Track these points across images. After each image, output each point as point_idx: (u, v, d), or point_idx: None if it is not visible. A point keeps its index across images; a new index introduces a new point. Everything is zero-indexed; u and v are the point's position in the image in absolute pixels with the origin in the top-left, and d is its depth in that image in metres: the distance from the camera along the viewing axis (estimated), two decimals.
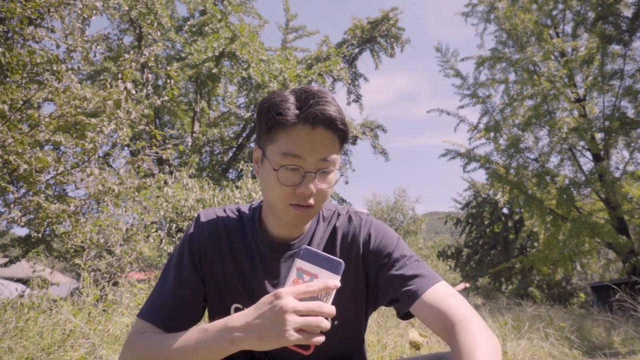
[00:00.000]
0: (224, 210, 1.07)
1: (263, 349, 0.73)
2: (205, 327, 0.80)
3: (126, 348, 0.89)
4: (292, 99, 0.91)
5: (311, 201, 0.92)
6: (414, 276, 0.95)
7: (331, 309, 0.73)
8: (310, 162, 0.90)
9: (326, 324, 0.72)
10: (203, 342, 0.78)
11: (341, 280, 1.00)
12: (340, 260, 0.77)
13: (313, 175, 0.90)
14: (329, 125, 0.90)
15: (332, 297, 0.75)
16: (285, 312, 0.70)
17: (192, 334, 0.81)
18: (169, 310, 0.93)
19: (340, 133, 0.93)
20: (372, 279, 1.01)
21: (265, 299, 0.75)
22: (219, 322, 0.78)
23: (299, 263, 0.76)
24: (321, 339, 0.73)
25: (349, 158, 16.11)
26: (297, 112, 0.89)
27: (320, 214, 1.07)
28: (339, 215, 1.07)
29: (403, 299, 0.94)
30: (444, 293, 0.91)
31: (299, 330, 0.71)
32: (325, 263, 0.76)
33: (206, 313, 1.04)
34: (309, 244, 1.02)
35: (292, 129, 0.89)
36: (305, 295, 0.72)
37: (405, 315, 0.97)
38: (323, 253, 0.77)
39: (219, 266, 1.01)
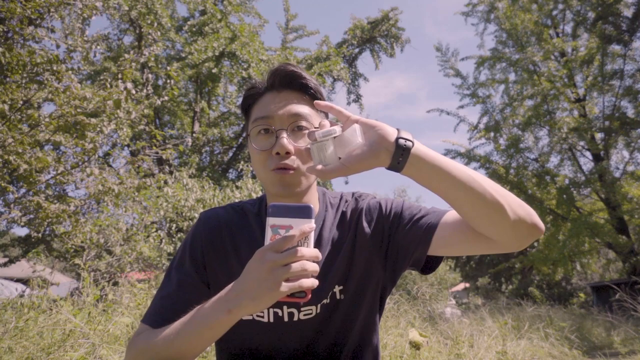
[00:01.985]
0: (226, 209, 1.06)
1: (260, 308, 0.75)
2: (199, 306, 0.81)
3: (128, 349, 0.90)
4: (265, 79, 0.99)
5: (292, 163, 0.91)
6: (427, 214, 0.97)
7: (312, 251, 0.74)
8: (279, 119, 0.92)
9: (312, 267, 0.73)
10: (200, 320, 0.79)
11: (351, 256, 1.00)
12: (309, 204, 0.77)
13: (284, 131, 0.91)
14: (291, 84, 0.95)
15: (311, 240, 0.76)
16: (269, 267, 0.71)
17: (188, 315, 0.82)
18: (171, 313, 0.92)
19: (308, 91, 0.96)
20: (393, 240, 1.00)
21: (249, 264, 0.76)
22: (213, 298, 0.79)
23: (270, 221, 0.77)
24: (312, 282, 0.73)
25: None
26: (266, 84, 0.97)
27: (327, 201, 1.07)
28: (346, 201, 1.08)
29: (425, 234, 0.94)
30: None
31: (288, 280, 0.72)
32: (295, 212, 0.77)
33: None
34: (320, 231, 1.02)
35: (262, 98, 0.97)
36: (285, 246, 0.73)
37: (427, 264, 0.97)
38: (291, 204, 0.78)
39: (223, 267, 1.00)
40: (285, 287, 0.72)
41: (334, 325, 1.01)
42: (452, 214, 0.94)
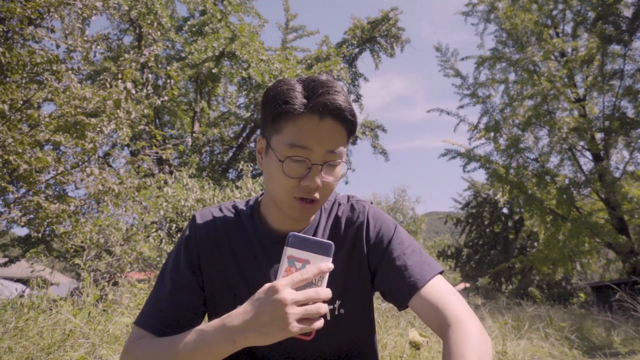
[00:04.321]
0: (220, 209, 1.03)
1: (265, 343, 0.72)
2: (202, 329, 0.78)
3: (123, 354, 0.88)
4: (299, 87, 0.88)
5: (316, 195, 0.89)
6: (412, 267, 0.94)
7: (327, 292, 0.73)
8: (317, 154, 0.87)
9: (325, 308, 0.72)
10: (202, 344, 0.76)
11: (347, 269, 1.00)
12: (330, 242, 0.76)
13: (320, 167, 0.87)
14: (337, 116, 0.87)
15: (326, 280, 0.75)
16: (285, 305, 0.69)
17: (190, 337, 0.79)
18: (166, 317, 0.91)
19: (348, 124, 0.90)
20: (373, 265, 1.00)
21: (261, 293, 0.73)
22: (216, 322, 0.76)
23: (289, 251, 0.75)
24: (321, 323, 0.72)
25: (349, 158, 16.11)
26: (304, 101, 0.86)
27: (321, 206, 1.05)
28: (339, 204, 1.05)
29: (401, 291, 0.93)
30: (442, 290, 0.90)
31: (300, 319, 0.71)
32: (315, 247, 0.75)
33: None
34: (313, 235, 1.00)
35: (299, 118, 0.86)
36: (302, 283, 0.72)
37: (401, 305, 0.96)
38: (312, 237, 0.77)
39: (219, 268, 0.98)
40: (296, 327, 0.70)
41: (331, 332, 1.00)
42: (434, 291, 0.90)
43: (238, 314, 0.74)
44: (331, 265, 0.74)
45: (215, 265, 0.98)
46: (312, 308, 0.71)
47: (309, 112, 0.86)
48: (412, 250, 0.98)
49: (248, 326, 0.72)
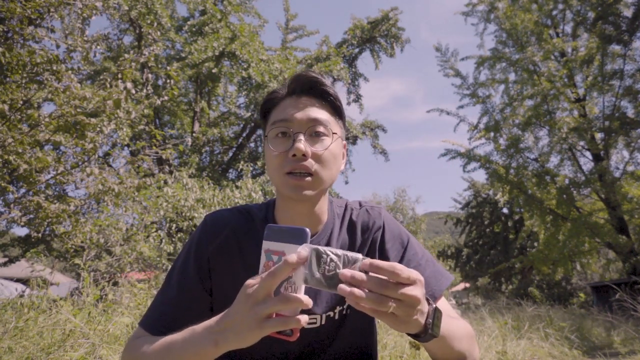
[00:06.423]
0: (232, 212, 1.03)
1: (243, 345, 0.69)
2: (193, 328, 0.77)
3: (124, 353, 0.89)
4: (286, 85, 0.98)
5: (308, 165, 0.89)
6: (428, 279, 0.98)
7: (302, 298, 0.66)
8: (298, 123, 0.92)
9: (306, 301, 0.66)
10: (190, 344, 0.75)
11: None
12: (304, 227, 0.69)
13: (301, 134, 0.90)
14: (312, 91, 0.95)
15: (301, 272, 0.67)
16: (251, 302, 0.67)
17: (182, 335, 0.78)
18: (171, 320, 0.91)
19: (328, 100, 0.95)
20: None
21: (238, 294, 0.71)
22: (206, 323, 0.75)
23: (265, 245, 0.71)
24: (303, 319, 0.66)
25: (349, 158, 16.13)
26: (286, 90, 0.97)
27: (334, 210, 1.05)
28: (352, 209, 1.06)
29: None
30: (446, 308, 0.97)
31: (277, 315, 0.67)
32: (288, 236, 0.69)
33: None
34: (328, 240, 1.00)
35: (281, 102, 0.96)
36: (271, 279, 0.66)
37: None
38: (287, 226, 0.71)
39: (229, 275, 0.96)
40: (268, 324, 0.66)
41: (338, 336, 1.00)
42: (444, 305, 0.99)
43: (221, 315, 0.73)
44: (293, 257, 0.64)
45: (226, 271, 0.97)
46: (282, 299, 0.66)
47: (288, 94, 0.96)
48: (426, 261, 1.02)
49: (226, 326, 0.70)
